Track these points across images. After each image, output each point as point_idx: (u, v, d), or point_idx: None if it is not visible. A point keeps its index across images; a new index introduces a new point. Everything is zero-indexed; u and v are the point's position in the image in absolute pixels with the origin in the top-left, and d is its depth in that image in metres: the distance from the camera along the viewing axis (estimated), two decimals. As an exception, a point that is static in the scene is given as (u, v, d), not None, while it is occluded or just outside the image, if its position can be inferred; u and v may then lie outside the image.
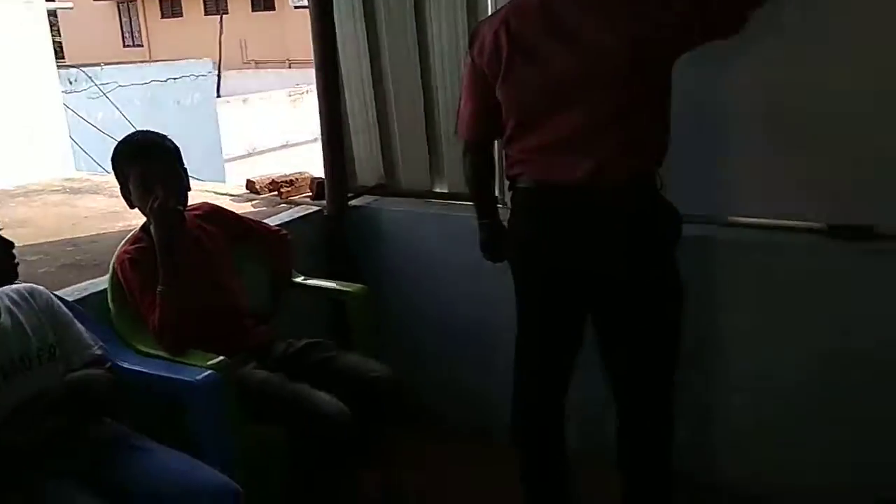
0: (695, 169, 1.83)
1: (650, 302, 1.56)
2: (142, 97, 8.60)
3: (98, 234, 2.97)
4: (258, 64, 19.48)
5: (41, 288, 1.58)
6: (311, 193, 2.76)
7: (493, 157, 1.78)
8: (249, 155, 11.59)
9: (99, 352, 1.57)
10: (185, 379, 1.60)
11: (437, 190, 2.48)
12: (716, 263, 1.93)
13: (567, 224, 1.55)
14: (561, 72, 1.48)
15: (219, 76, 13.63)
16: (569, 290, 1.63)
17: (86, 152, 5.97)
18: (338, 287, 2.13)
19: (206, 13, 21.50)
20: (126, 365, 1.66)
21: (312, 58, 2.43)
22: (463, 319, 2.37)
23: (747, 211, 1.91)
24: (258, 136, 12.02)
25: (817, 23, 1.67)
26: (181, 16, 22.60)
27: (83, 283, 1.99)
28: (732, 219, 1.94)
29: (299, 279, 2.15)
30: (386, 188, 2.58)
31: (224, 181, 5.85)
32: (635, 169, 1.51)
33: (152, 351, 1.72)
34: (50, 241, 2.85)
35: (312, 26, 2.38)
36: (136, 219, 1.86)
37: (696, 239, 1.77)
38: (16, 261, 1.52)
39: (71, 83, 7.66)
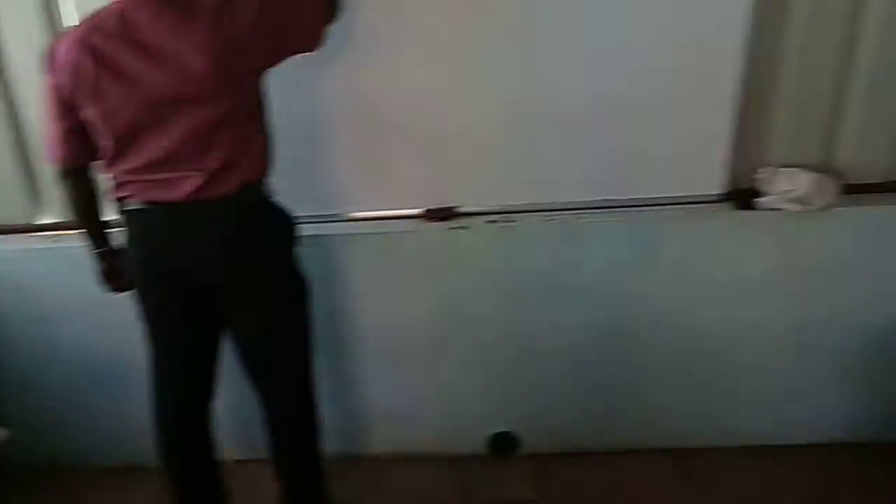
0: (310, 174, 1.99)
1: (273, 304, 1.67)
2: None
3: None
4: None
5: None
6: None
7: (92, 181, 1.69)
8: None
9: None
10: None
11: (41, 222, 2.23)
12: (341, 255, 2.12)
13: (180, 241, 1.58)
14: (151, 90, 1.47)
15: None
16: (191, 304, 1.67)
17: None
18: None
19: None
20: None
21: None
22: (94, 356, 2.21)
23: (360, 205, 2.13)
24: None
25: (394, 29, 1.91)
26: None
27: None
28: (350, 214, 2.15)
29: None
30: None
31: None
32: (241, 180, 1.57)
33: None
34: None
35: None
36: None
37: (319, 237, 1.97)
38: None
39: None
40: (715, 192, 2.06)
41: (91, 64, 1.47)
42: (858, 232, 2.05)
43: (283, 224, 1.69)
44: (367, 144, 2.02)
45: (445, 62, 1.92)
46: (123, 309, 1.77)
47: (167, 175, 1.53)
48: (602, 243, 2.09)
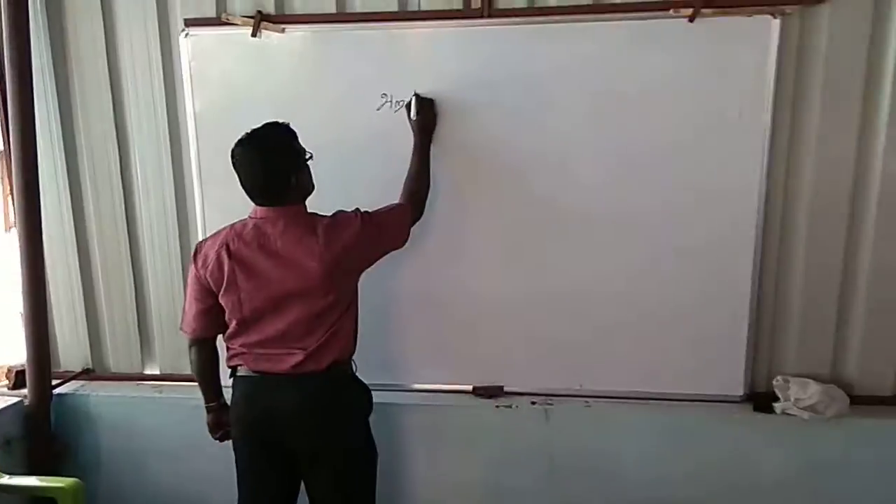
0: (383, 350, 2.37)
1: (348, 463, 1.98)
2: None
3: None
4: None
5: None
6: (7, 383, 2.64)
7: (215, 349, 2.07)
8: None
9: None
10: None
11: (149, 372, 2.61)
12: (401, 422, 2.44)
13: (278, 406, 1.92)
14: (277, 286, 1.88)
15: None
16: (278, 459, 1.98)
17: None
18: (47, 484, 2.13)
19: None
20: None
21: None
22: (185, 499, 2.49)
23: (421, 378, 2.47)
24: None
25: (455, 242, 2.36)
26: None
27: None
28: (415, 385, 2.48)
29: (3, 479, 2.09)
30: (93, 373, 2.62)
31: None
32: (333, 358, 1.94)
33: None
34: None
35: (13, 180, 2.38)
36: None
37: (386, 405, 2.29)
38: None
39: None
40: (736, 395, 2.34)
41: (230, 263, 1.90)
42: (869, 442, 2.26)
43: (362, 396, 2.03)
44: (429, 329, 2.41)
45: (496, 265, 2.35)
46: (217, 456, 2.07)
47: (276, 351, 1.91)
48: (632, 431, 2.35)
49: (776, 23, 2.10)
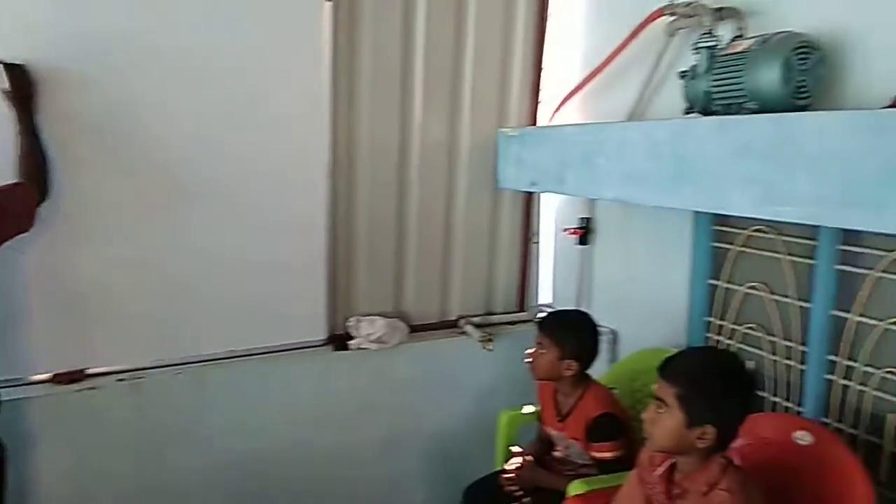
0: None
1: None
2: None
3: None
4: None
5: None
6: None
7: None
8: None
9: None
10: None
11: None
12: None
13: None
14: None
15: None
16: None
17: None
18: None
19: None
20: None
21: None
22: None
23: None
24: None
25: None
26: None
27: None
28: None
29: None
30: None
31: None
32: None
33: None
34: None
35: None
36: None
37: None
38: None
39: None
40: (319, 339, 2.60)
41: None
42: (423, 360, 2.76)
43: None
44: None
45: (75, 243, 2.16)
46: None
47: None
48: (224, 389, 2.44)
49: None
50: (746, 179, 1.48)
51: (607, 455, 1.97)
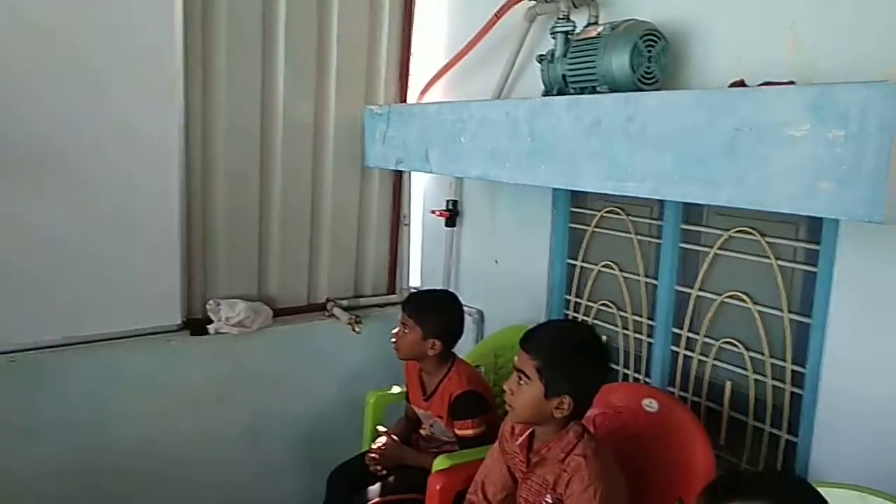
0: None
1: None
2: None
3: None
4: None
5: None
6: None
7: None
8: None
9: None
10: None
11: None
12: None
13: None
14: None
15: None
16: None
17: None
18: None
19: None
20: None
21: None
22: None
23: None
24: None
25: None
26: None
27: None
28: None
29: None
30: None
31: None
32: None
33: None
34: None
35: None
36: None
37: None
38: None
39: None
40: (174, 324, 2.46)
41: None
42: (288, 344, 2.67)
43: None
44: None
45: None
46: None
47: None
48: (65, 379, 2.25)
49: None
50: (595, 156, 1.53)
51: (469, 432, 2.00)
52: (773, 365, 1.80)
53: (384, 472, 2.08)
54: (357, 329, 2.68)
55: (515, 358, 1.58)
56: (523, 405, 1.55)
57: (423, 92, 2.72)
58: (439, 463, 1.91)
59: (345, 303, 2.85)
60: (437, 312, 2.06)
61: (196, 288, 2.53)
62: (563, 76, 1.97)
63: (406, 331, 2.04)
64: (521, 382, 1.54)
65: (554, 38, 2.02)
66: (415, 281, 3.07)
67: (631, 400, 1.85)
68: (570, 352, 1.54)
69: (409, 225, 2.97)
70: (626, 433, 1.79)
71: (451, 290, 2.57)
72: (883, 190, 1.03)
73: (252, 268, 2.64)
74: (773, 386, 1.80)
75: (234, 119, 2.47)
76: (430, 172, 2.19)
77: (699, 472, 1.63)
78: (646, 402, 1.82)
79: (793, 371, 1.75)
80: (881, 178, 1.04)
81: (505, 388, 1.59)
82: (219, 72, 2.41)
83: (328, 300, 2.85)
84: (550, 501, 1.56)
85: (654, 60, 1.79)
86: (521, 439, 1.66)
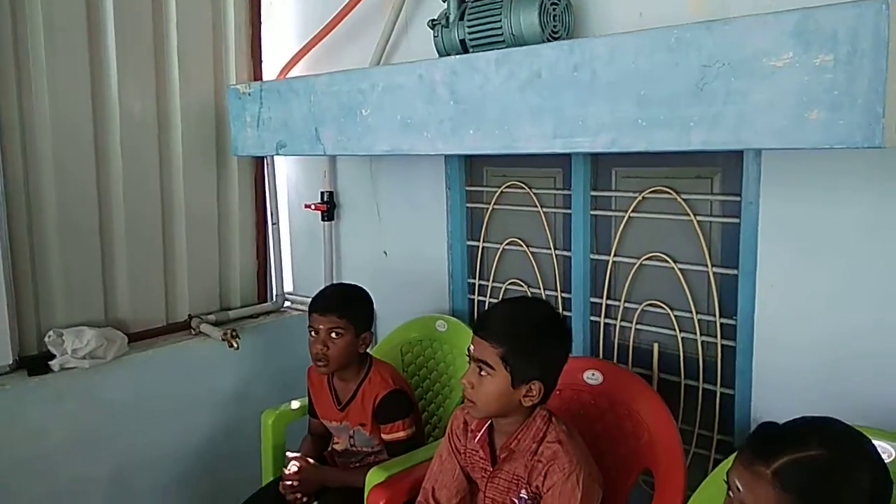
0: None
1: None
2: None
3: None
4: None
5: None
6: None
7: None
8: None
9: None
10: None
11: None
12: None
13: None
14: None
15: None
16: None
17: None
18: None
19: None
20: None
21: None
22: None
23: None
24: None
25: None
26: None
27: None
28: None
29: None
30: None
31: None
32: None
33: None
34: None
35: None
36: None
37: None
38: None
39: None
40: (5, 364, 1.98)
41: None
42: (153, 371, 2.26)
43: None
44: None
45: None
46: None
47: None
48: None
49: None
50: (536, 113, 1.41)
51: (401, 434, 1.79)
52: (700, 321, 1.79)
53: (304, 499, 1.80)
54: (235, 345, 2.34)
55: (471, 347, 1.41)
56: (488, 398, 1.38)
57: (285, 70, 2.44)
58: (374, 476, 1.68)
59: (212, 318, 2.49)
60: (362, 303, 1.84)
61: (28, 318, 2.07)
62: (462, 41, 1.83)
63: (336, 336, 1.77)
64: (483, 374, 1.38)
65: (445, 1, 1.87)
66: (289, 286, 2.77)
67: (570, 376, 1.75)
68: (533, 333, 1.39)
69: (277, 224, 2.67)
70: (571, 412, 1.69)
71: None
72: (880, 113, 1.01)
73: (95, 289, 2.22)
74: (704, 342, 1.79)
75: (61, 118, 2.07)
76: (324, 154, 1.94)
77: (661, 439, 1.57)
78: (588, 374, 1.73)
79: (722, 324, 1.75)
80: (878, 101, 1.01)
81: (463, 382, 1.41)
82: (36, 65, 1.99)
83: (192, 317, 2.47)
84: (526, 497, 1.41)
85: (559, 19, 1.72)
86: (479, 435, 1.49)
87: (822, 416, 1.02)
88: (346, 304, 1.80)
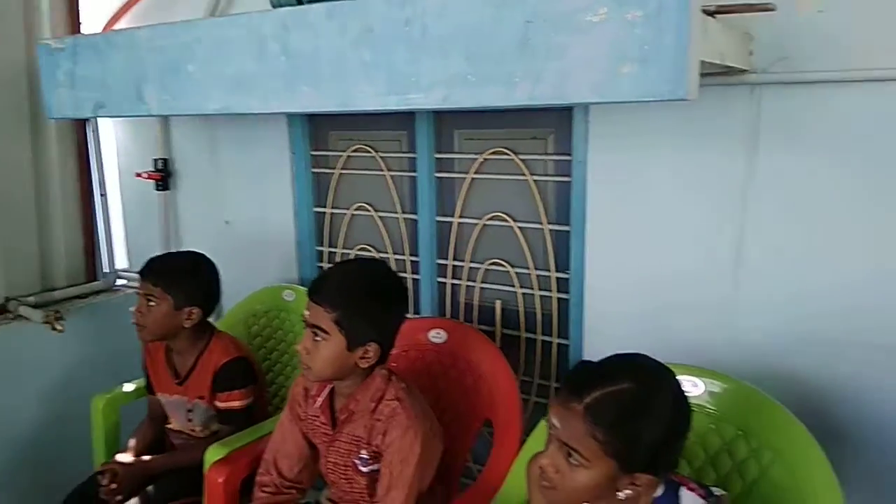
0: None
1: None
2: None
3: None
4: None
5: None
6: None
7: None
8: None
9: None
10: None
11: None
12: None
13: None
14: None
15: None
16: None
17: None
18: None
19: None
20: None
21: None
22: None
23: None
24: None
25: None
26: None
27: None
28: None
29: None
30: None
31: None
32: None
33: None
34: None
35: None
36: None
37: None
38: None
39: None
40: None
41: None
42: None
43: None
44: None
45: None
46: None
47: None
48: None
49: None
50: (370, 69, 1.38)
51: (235, 404, 1.72)
52: (538, 276, 1.86)
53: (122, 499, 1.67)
54: (59, 327, 2.15)
55: (305, 313, 1.38)
56: (323, 363, 1.35)
57: (109, 25, 2.24)
58: (214, 453, 1.61)
59: (32, 300, 2.27)
60: (189, 275, 1.72)
61: None
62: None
63: (151, 304, 1.66)
64: (318, 339, 1.35)
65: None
66: (122, 262, 2.58)
67: (415, 336, 1.76)
68: (366, 295, 1.38)
69: (105, 195, 2.46)
70: (416, 371, 1.70)
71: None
72: (685, 67, 1.07)
73: None
74: (541, 296, 1.86)
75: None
76: (149, 115, 1.79)
77: (500, 391, 1.62)
78: (433, 333, 1.75)
79: (557, 279, 1.83)
80: (681, 55, 1.07)
81: (299, 348, 1.37)
82: None
83: (8, 299, 2.24)
84: (366, 456, 1.40)
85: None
86: (320, 400, 1.46)
87: (633, 353, 1.09)
88: (162, 273, 1.69)
